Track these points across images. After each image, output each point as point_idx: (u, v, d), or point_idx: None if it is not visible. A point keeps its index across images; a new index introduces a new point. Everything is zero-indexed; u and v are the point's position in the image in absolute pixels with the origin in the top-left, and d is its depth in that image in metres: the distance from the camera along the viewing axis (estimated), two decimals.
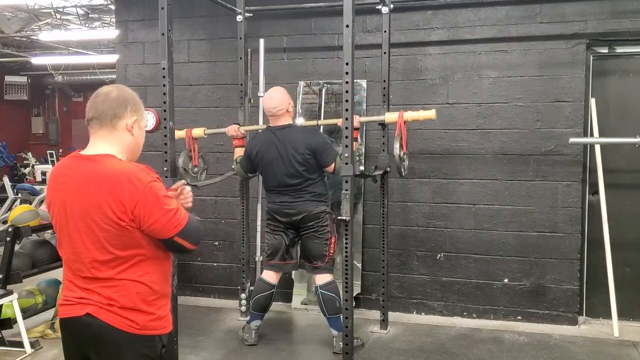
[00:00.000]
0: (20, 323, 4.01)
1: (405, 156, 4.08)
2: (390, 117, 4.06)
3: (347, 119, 3.33)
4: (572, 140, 4.36)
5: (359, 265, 4.86)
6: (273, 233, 4.09)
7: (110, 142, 2.03)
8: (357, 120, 3.85)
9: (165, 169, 3.20)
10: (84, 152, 2.05)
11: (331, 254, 4.01)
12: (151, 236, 1.98)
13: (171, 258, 2.17)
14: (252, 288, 4.36)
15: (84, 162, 2.01)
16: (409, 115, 3.97)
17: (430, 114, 3.95)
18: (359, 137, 4.02)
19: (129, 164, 2.01)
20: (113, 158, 2.01)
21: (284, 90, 4.09)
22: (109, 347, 1.99)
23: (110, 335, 1.97)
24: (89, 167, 1.98)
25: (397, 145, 3.91)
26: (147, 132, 2.26)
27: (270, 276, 4.12)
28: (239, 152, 4.33)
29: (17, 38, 10.79)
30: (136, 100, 2.09)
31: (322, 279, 3.99)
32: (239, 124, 4.43)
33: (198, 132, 4.33)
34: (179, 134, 4.13)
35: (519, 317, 4.64)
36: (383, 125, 4.34)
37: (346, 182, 3.38)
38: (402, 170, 4.07)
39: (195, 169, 4.20)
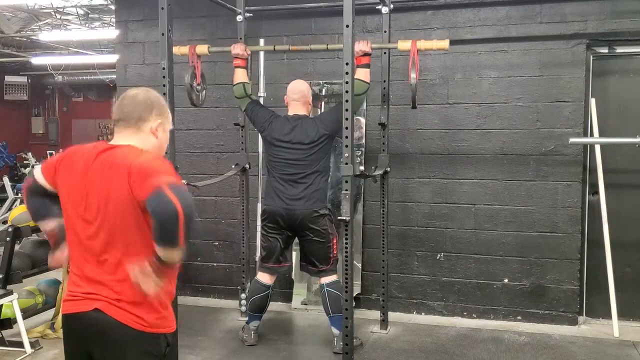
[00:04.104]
0: (20, 323, 4.01)
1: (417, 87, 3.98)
2: (403, 45, 3.92)
3: (347, 119, 3.33)
4: (572, 140, 4.36)
5: (359, 265, 4.86)
6: (268, 235, 4.07)
7: (135, 141, 2.08)
8: (369, 45, 3.82)
9: None
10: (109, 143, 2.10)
11: (334, 255, 4.01)
12: (140, 198, 1.90)
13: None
14: None
15: (105, 151, 2.04)
16: (422, 43, 3.86)
17: (444, 43, 3.85)
18: (369, 73, 3.91)
19: (147, 152, 2.05)
20: (132, 147, 2.05)
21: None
22: (115, 343, 1.99)
23: (117, 332, 1.97)
24: (108, 155, 2.02)
25: (412, 75, 3.82)
26: None
27: (265, 278, 4.13)
28: (239, 75, 4.19)
29: (17, 38, 10.78)
30: (162, 103, 2.15)
31: (328, 279, 4.01)
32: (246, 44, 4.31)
33: (202, 48, 4.16)
34: (182, 50, 4.06)
35: (519, 317, 4.64)
36: (383, 125, 4.35)
37: (346, 182, 3.38)
38: (416, 101, 4.00)
39: (199, 87, 4.14)
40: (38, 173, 2.17)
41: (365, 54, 3.80)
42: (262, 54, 4.80)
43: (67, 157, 2.10)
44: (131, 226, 1.97)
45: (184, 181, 2.38)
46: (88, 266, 2.03)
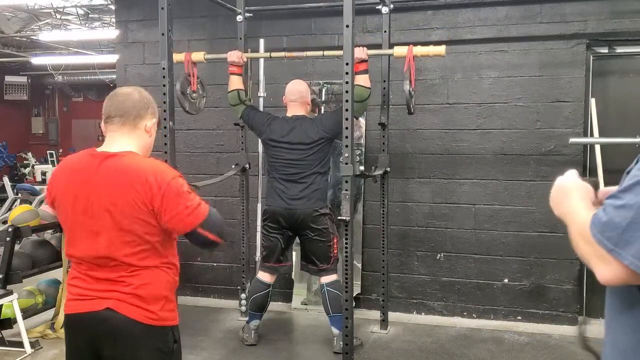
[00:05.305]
0: (20, 323, 4.01)
1: (413, 92, 3.99)
2: (399, 51, 3.90)
3: (347, 119, 3.33)
4: (572, 140, 4.36)
5: (359, 265, 4.86)
6: (268, 234, 4.08)
7: (130, 139, 2.09)
8: (365, 52, 3.82)
9: None
10: (102, 149, 2.09)
11: (335, 254, 4.02)
12: (172, 231, 2.03)
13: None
14: None
15: (107, 159, 2.03)
16: (419, 50, 3.84)
17: (440, 49, 3.82)
18: (368, 77, 3.84)
19: (153, 160, 2.09)
20: (136, 154, 2.06)
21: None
22: (125, 342, 1.99)
23: (128, 329, 1.98)
24: (113, 163, 2.02)
25: (406, 81, 3.82)
26: None
27: (266, 276, 4.13)
28: (235, 82, 4.17)
29: (17, 38, 10.79)
30: (154, 103, 2.19)
31: (328, 278, 4.01)
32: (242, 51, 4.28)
33: (198, 56, 4.12)
34: (178, 57, 3.99)
35: (519, 317, 4.64)
36: (383, 125, 4.35)
37: (346, 182, 3.39)
38: (411, 107, 4.00)
39: (195, 95, 4.08)
40: (47, 209, 2.24)
41: (362, 61, 3.80)
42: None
43: (59, 174, 2.12)
44: (145, 233, 1.99)
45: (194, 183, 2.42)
46: (97, 269, 2.03)
